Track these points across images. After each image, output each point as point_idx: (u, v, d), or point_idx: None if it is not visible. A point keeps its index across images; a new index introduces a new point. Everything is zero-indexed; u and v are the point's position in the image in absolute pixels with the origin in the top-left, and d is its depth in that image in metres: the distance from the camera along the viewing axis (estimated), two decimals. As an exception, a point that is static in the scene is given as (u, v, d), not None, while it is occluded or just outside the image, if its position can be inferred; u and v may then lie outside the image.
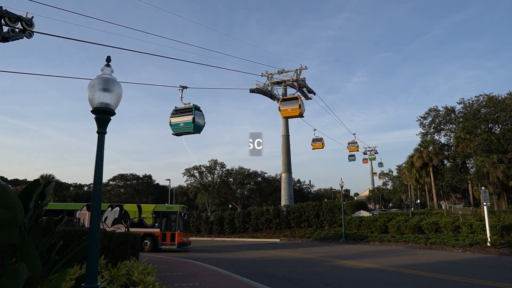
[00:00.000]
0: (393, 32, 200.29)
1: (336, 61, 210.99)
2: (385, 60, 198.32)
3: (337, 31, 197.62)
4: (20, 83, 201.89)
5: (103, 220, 24.23)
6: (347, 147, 60.50)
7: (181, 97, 20.64)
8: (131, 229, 23.76)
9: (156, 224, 24.43)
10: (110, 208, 25.18)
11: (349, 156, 78.13)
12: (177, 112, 20.01)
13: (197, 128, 19.77)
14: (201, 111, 20.08)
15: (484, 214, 24.96)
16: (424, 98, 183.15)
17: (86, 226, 22.94)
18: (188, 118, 19.39)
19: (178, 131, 20.34)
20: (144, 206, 25.65)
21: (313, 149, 43.70)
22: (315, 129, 43.21)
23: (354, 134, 62.51)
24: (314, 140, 43.95)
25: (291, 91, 38.24)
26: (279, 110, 36.28)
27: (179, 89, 20.70)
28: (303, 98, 37.52)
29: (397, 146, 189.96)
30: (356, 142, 60.83)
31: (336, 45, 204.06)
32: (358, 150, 62.83)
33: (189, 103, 19.92)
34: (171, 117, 20.40)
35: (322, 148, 43.92)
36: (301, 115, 36.52)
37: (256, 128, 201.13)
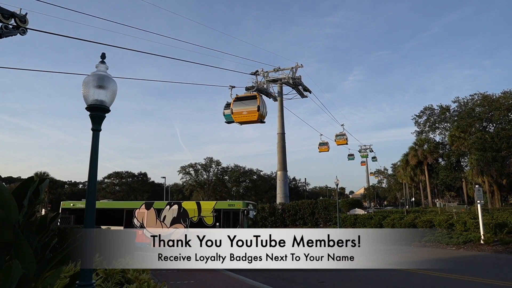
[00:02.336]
0: (390, 30, 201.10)
1: (333, 59, 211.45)
2: (382, 58, 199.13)
3: (334, 29, 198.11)
4: (14, 80, 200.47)
5: (161, 220, 22.61)
6: (334, 140, 51.42)
7: (231, 95, 25.81)
8: (190, 230, 22.23)
9: (217, 224, 21.98)
10: (168, 206, 23.20)
11: (349, 155, 78.96)
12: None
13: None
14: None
15: (478, 212, 25.15)
16: (421, 96, 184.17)
17: (144, 225, 22.21)
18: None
19: (230, 120, 27.60)
20: (204, 203, 23.39)
21: (319, 152, 47.28)
22: (322, 134, 47.83)
23: (342, 125, 53.85)
24: (321, 144, 47.72)
25: (287, 89, 37.80)
26: (232, 113, 27.58)
27: (229, 88, 28.19)
28: (265, 97, 28.35)
29: (392, 144, 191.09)
30: (344, 134, 51.66)
31: (333, 43, 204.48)
32: (347, 143, 53.37)
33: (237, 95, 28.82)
34: (224, 109, 28.14)
35: (328, 151, 47.78)
36: (260, 120, 27.63)
37: (252, 126, 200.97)
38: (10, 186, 74.12)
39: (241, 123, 28.42)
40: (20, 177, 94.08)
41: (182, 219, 22.26)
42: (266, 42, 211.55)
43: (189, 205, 22.82)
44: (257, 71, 35.06)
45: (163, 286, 8.07)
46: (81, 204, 24.40)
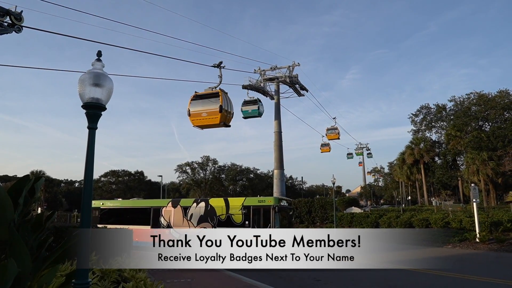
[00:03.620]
0: (388, 29, 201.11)
1: (330, 58, 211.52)
2: (379, 57, 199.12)
3: (332, 28, 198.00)
4: (10, 78, 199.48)
5: (188, 218, 21.03)
6: (326, 134, 47.50)
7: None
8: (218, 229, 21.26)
9: (247, 222, 19.77)
10: (195, 204, 21.48)
11: (348, 154, 79.40)
12: (247, 103, 29.24)
13: (260, 113, 28.75)
14: (260, 102, 29.01)
15: (473, 211, 25.29)
16: (418, 95, 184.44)
17: (171, 224, 21.13)
18: (255, 107, 28.57)
19: (248, 115, 29.00)
20: (232, 200, 21.22)
21: (321, 152, 48.05)
22: (323, 136, 48.10)
23: (334, 118, 48.95)
24: (322, 145, 48.68)
25: (284, 88, 37.64)
26: (188, 115, 22.65)
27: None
28: (225, 95, 22.34)
29: (389, 143, 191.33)
30: (336, 128, 47.50)
31: (331, 41, 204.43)
32: (339, 138, 48.83)
33: (253, 97, 29.82)
34: (242, 106, 29.65)
35: (329, 151, 48.59)
36: (224, 123, 22.71)
37: (249, 124, 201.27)
38: (6, 185, 73.73)
39: (201, 127, 23.22)
40: (16, 175, 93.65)
41: (209, 217, 20.58)
42: (264, 40, 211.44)
43: (217, 202, 21.08)
44: (259, 68, 34.68)
45: (159, 284, 8.07)
46: (110, 203, 24.15)
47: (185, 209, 21.08)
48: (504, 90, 52.09)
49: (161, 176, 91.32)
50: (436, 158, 63.12)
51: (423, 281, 12.06)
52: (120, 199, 26.76)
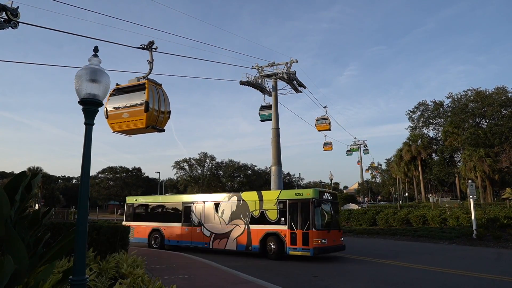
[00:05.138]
0: (386, 25, 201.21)
1: (328, 54, 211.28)
2: (378, 53, 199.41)
3: (330, 24, 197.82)
4: (6, 74, 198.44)
5: (220, 215, 19.35)
6: (315, 125, 43.46)
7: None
8: (251, 226, 18.01)
9: (282, 219, 17.16)
10: (226, 198, 19.65)
11: (347, 151, 79.98)
12: (264, 108, 32.61)
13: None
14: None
15: (470, 207, 25.41)
16: (415, 92, 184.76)
17: (202, 221, 19.81)
18: (271, 111, 32.50)
19: (264, 118, 31.88)
20: (266, 193, 18.82)
21: (324, 150, 50.60)
22: (326, 135, 50.09)
23: (325, 107, 42.06)
24: (325, 144, 50.86)
25: (281, 84, 37.43)
26: (106, 117, 13.32)
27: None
28: (155, 88, 13.65)
29: (387, 140, 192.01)
30: (327, 118, 43.10)
31: (329, 38, 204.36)
32: (330, 129, 44.38)
33: (269, 103, 33.00)
34: (260, 110, 33.08)
35: (331, 150, 51.10)
36: (155, 127, 13.44)
37: (247, 120, 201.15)
38: (3, 181, 73.56)
39: (124, 133, 14.12)
40: (13, 172, 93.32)
41: (242, 213, 18.61)
42: (262, 36, 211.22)
43: (249, 196, 18.92)
44: (257, 64, 34.04)
45: (157, 281, 8.06)
46: (142, 199, 23.57)
47: (216, 205, 19.70)
48: (501, 87, 52.27)
49: (158, 172, 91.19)
50: (434, 155, 63.33)
51: (420, 277, 12.11)
52: (154, 195, 25.84)
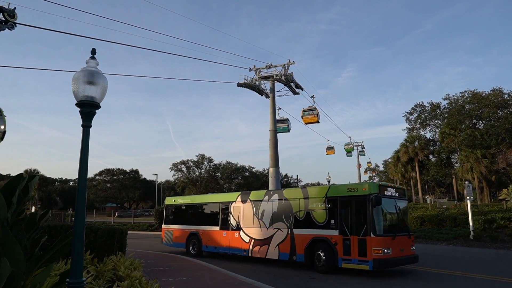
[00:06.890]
0: (384, 27, 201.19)
1: (326, 56, 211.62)
2: (375, 55, 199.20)
3: (328, 25, 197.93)
4: (4, 75, 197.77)
5: (259, 217, 16.56)
6: (302, 117, 38.04)
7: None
8: (295, 231, 14.88)
9: (332, 222, 13.76)
10: (267, 197, 16.73)
11: (347, 152, 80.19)
12: (279, 121, 32.60)
13: (289, 130, 33.17)
14: (289, 120, 33.27)
15: (467, 208, 25.47)
16: (413, 93, 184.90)
17: (241, 224, 17.22)
18: (285, 125, 32.97)
19: (279, 131, 32.29)
20: (311, 190, 15.49)
21: (327, 154, 51.15)
22: (328, 140, 51.86)
23: (312, 97, 37.66)
24: (328, 148, 51.15)
25: (279, 86, 37.47)
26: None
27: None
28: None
29: (384, 141, 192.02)
30: (315, 109, 37.94)
31: (327, 39, 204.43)
32: (318, 121, 39.28)
33: (283, 117, 33.66)
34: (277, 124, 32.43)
35: (334, 153, 51.11)
36: None
37: (245, 122, 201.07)
38: (-1, 184, 73.15)
39: None
40: (9, 174, 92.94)
41: (284, 215, 15.63)
42: (260, 38, 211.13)
43: (292, 194, 15.92)
44: (255, 66, 33.85)
45: (154, 283, 8.04)
46: (181, 200, 21.85)
47: (256, 205, 16.93)
48: (497, 88, 52.45)
49: (156, 174, 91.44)
50: (431, 156, 63.56)
51: (418, 278, 12.12)
52: (193, 195, 24.46)
